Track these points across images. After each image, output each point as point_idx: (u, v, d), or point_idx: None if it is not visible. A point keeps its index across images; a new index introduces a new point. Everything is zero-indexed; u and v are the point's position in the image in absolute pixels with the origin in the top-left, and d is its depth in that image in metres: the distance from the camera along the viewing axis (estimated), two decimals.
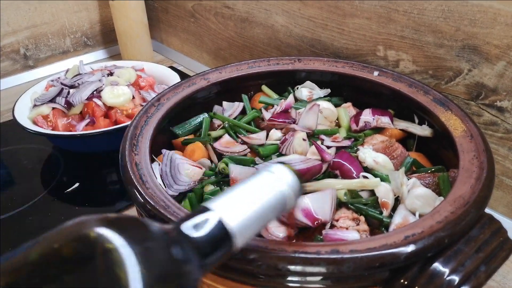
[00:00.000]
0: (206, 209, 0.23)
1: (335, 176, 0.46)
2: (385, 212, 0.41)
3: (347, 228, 0.39)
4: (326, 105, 0.55)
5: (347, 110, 0.57)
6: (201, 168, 0.47)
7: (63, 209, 0.66)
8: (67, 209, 0.66)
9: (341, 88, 0.61)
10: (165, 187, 0.45)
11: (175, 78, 0.87)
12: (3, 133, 0.86)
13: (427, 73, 0.60)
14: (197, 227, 0.22)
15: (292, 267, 0.31)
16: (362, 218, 0.41)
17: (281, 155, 0.49)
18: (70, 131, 0.73)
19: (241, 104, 0.60)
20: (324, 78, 0.61)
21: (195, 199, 0.45)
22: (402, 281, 0.32)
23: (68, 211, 0.65)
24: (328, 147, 0.49)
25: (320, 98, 0.60)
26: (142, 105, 0.78)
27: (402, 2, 0.59)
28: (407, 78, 0.54)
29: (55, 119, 0.74)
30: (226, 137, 0.53)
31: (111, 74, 0.84)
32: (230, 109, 0.59)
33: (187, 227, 0.22)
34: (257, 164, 0.48)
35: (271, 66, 0.61)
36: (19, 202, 0.67)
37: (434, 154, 0.51)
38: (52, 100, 0.76)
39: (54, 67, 1.12)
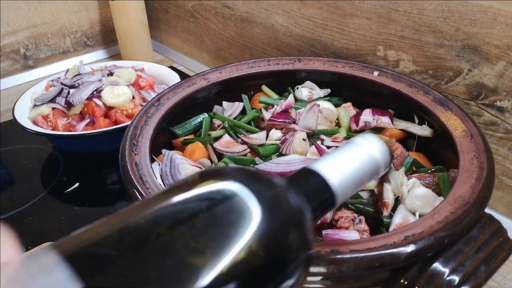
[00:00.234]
0: (311, 170, 0.26)
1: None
2: (385, 212, 0.41)
3: (347, 228, 0.39)
4: (326, 105, 0.55)
5: (347, 110, 0.57)
6: (201, 168, 0.47)
7: (63, 209, 0.66)
8: (67, 209, 0.66)
9: (341, 88, 0.61)
10: (165, 187, 0.45)
11: (175, 78, 0.87)
12: (3, 133, 0.86)
13: (427, 73, 0.60)
14: (306, 184, 0.25)
15: None
16: (362, 218, 0.41)
17: (281, 155, 0.49)
18: (70, 131, 0.73)
19: (241, 104, 0.60)
20: (324, 78, 0.61)
21: None
22: (402, 281, 0.32)
23: (68, 211, 0.65)
24: (328, 147, 0.49)
25: (320, 98, 0.60)
26: (142, 105, 0.78)
27: (402, 2, 0.59)
28: (407, 78, 0.54)
29: (55, 119, 0.74)
30: (226, 137, 0.53)
31: (111, 74, 0.84)
32: (230, 109, 0.59)
33: (298, 183, 0.25)
34: (257, 164, 0.48)
35: (271, 66, 0.61)
36: (19, 202, 0.67)
37: (434, 154, 0.51)
38: (52, 100, 0.76)
39: (54, 67, 1.12)
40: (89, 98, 0.75)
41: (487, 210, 0.37)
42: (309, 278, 0.32)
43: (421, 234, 0.32)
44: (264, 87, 0.62)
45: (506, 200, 0.58)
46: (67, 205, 0.67)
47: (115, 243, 0.19)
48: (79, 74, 0.84)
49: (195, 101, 0.57)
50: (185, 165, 0.46)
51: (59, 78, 0.85)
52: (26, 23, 1.04)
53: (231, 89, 0.60)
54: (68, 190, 0.69)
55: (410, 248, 0.31)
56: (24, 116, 0.75)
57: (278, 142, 0.51)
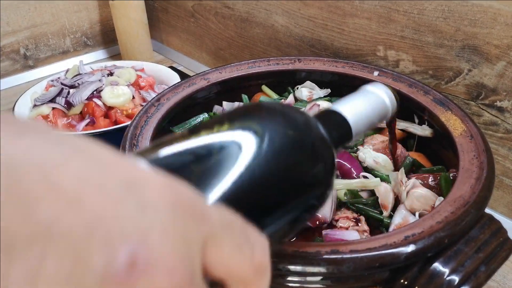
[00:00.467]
0: (332, 110, 0.31)
1: (335, 176, 0.46)
2: (385, 212, 0.41)
3: (347, 228, 0.39)
4: (326, 105, 0.55)
5: None
6: None
7: None
8: None
9: (341, 88, 0.60)
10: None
11: (175, 78, 0.86)
12: None
13: (427, 73, 0.60)
14: (329, 119, 0.30)
15: (292, 267, 0.31)
16: (362, 218, 0.41)
17: None
18: (70, 131, 0.73)
19: (241, 104, 0.60)
20: (324, 78, 0.61)
21: None
22: (402, 281, 0.32)
23: None
24: None
25: (320, 98, 0.60)
26: (142, 105, 0.78)
27: (402, 2, 0.59)
28: (407, 78, 0.54)
29: (55, 119, 0.74)
30: None
31: (111, 74, 0.84)
32: (230, 109, 0.59)
33: (323, 118, 0.29)
34: None
35: (271, 66, 0.61)
36: None
37: (434, 154, 0.51)
38: (52, 100, 0.76)
39: (54, 67, 1.12)
40: (89, 98, 0.75)
41: (487, 210, 0.37)
42: (309, 278, 0.32)
43: (421, 234, 0.32)
44: (264, 87, 0.62)
45: (506, 200, 0.58)
46: None
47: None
48: (79, 74, 0.84)
49: (195, 101, 0.57)
50: None
51: (59, 78, 0.85)
52: (26, 23, 1.04)
53: (231, 89, 0.60)
54: None
55: (410, 248, 0.31)
56: (24, 116, 0.75)
57: None
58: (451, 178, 0.43)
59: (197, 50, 1.06)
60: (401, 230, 0.33)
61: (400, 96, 0.53)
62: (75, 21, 1.12)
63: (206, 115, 0.58)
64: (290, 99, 0.56)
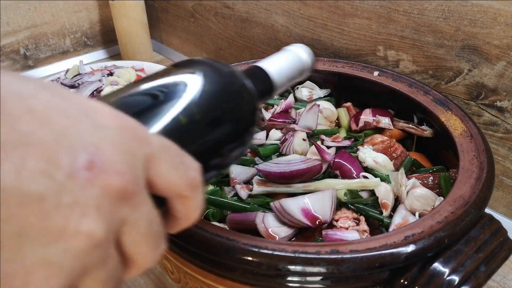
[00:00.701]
0: (256, 66, 0.35)
1: (335, 176, 0.46)
2: (385, 212, 0.41)
3: (347, 228, 0.39)
4: (326, 105, 0.55)
5: (347, 110, 0.57)
6: None
7: None
8: None
9: (341, 88, 0.61)
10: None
11: None
12: None
13: (427, 73, 0.60)
14: (253, 74, 0.34)
15: (292, 267, 0.31)
16: (362, 218, 0.41)
17: (281, 155, 0.49)
18: None
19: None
20: (324, 78, 0.61)
21: None
22: (402, 281, 0.32)
23: None
24: (328, 147, 0.49)
25: (320, 98, 0.60)
26: None
27: (402, 2, 0.59)
28: (407, 78, 0.54)
29: None
30: None
31: (111, 74, 0.84)
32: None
33: (248, 73, 0.34)
34: (257, 164, 0.48)
35: None
36: None
37: (434, 154, 0.51)
38: None
39: (54, 67, 1.12)
40: None
41: (487, 210, 0.37)
42: (309, 278, 0.32)
43: (421, 234, 0.32)
44: None
45: (506, 200, 0.58)
46: None
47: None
48: (79, 74, 0.84)
49: None
50: None
51: (59, 78, 0.85)
52: (26, 23, 1.04)
53: None
54: None
55: (410, 248, 0.31)
56: None
57: (278, 142, 0.51)
58: (451, 178, 0.43)
59: (197, 50, 1.06)
60: (401, 230, 0.33)
61: (400, 96, 0.53)
62: (75, 21, 1.12)
63: None
64: (290, 99, 0.56)
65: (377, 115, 0.53)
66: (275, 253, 0.31)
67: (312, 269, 0.31)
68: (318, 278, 0.32)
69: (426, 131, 0.51)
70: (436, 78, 0.59)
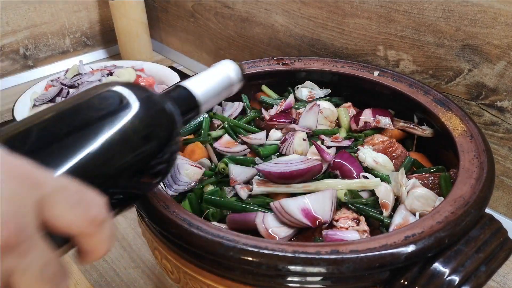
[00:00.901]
0: (180, 85, 0.35)
1: (335, 176, 0.46)
2: (385, 212, 0.41)
3: (347, 228, 0.39)
4: (326, 105, 0.55)
5: (347, 110, 0.57)
6: (201, 168, 0.47)
7: None
8: None
9: (341, 88, 0.60)
10: (165, 187, 0.45)
11: (175, 78, 0.86)
12: None
13: (427, 73, 0.60)
14: (176, 96, 0.34)
15: (292, 267, 0.31)
16: (362, 218, 0.41)
17: (281, 155, 0.49)
18: None
19: (241, 104, 0.60)
20: (324, 78, 0.61)
21: (195, 199, 0.45)
22: (402, 281, 0.32)
23: None
24: (328, 147, 0.49)
25: (320, 98, 0.60)
26: None
27: (402, 2, 0.59)
28: (407, 78, 0.54)
29: None
30: (226, 137, 0.53)
31: (110, 74, 0.84)
32: (230, 109, 0.59)
33: (169, 95, 0.33)
34: (257, 164, 0.48)
35: (271, 66, 0.61)
36: None
37: (434, 154, 0.51)
38: (52, 100, 0.76)
39: (53, 67, 1.12)
40: None
41: (487, 210, 0.37)
42: (309, 279, 0.32)
43: (421, 234, 0.32)
44: (264, 87, 0.62)
45: (506, 200, 0.58)
46: None
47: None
48: (79, 74, 0.84)
49: None
50: (185, 165, 0.46)
51: (58, 78, 0.85)
52: (26, 23, 1.04)
53: None
54: None
55: (410, 248, 0.31)
56: (24, 116, 0.75)
57: (278, 142, 0.51)
58: (451, 178, 0.43)
59: (197, 50, 1.06)
60: (401, 230, 0.33)
61: (400, 96, 0.53)
62: (74, 21, 1.12)
63: (206, 115, 0.58)
64: (290, 99, 0.56)
65: (377, 115, 0.53)
66: (275, 253, 0.31)
67: (312, 269, 0.31)
68: (318, 278, 0.32)
69: (426, 131, 0.51)
70: (436, 78, 0.59)
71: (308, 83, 0.61)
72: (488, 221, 0.35)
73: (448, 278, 0.31)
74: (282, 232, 0.39)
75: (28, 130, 0.24)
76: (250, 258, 0.31)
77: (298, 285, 0.32)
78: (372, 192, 0.43)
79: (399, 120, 0.54)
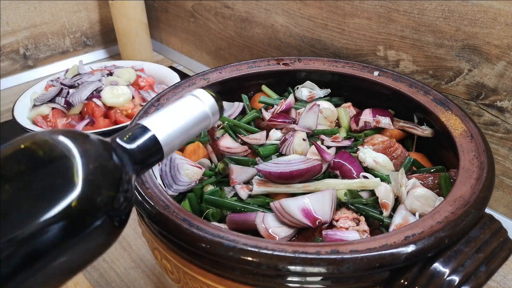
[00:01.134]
0: (139, 125, 0.29)
1: (335, 176, 0.46)
2: (385, 213, 0.41)
3: (347, 229, 0.39)
4: (326, 105, 0.55)
5: (347, 110, 0.57)
6: (201, 168, 0.47)
7: None
8: None
9: (341, 88, 0.60)
10: (165, 187, 0.45)
11: (175, 78, 0.86)
12: (3, 133, 0.85)
13: (427, 73, 0.60)
14: (132, 140, 0.28)
15: (292, 267, 0.31)
16: (362, 218, 0.41)
17: (281, 155, 0.49)
18: None
19: (241, 104, 0.60)
20: (324, 78, 0.61)
21: (195, 199, 0.45)
22: (402, 281, 0.32)
23: None
24: (328, 147, 0.49)
25: (320, 98, 0.60)
26: (142, 105, 0.78)
27: (402, 2, 0.59)
28: (407, 78, 0.54)
29: (55, 119, 0.74)
30: (226, 137, 0.53)
31: (110, 74, 0.84)
32: (230, 109, 0.59)
33: (123, 139, 0.28)
34: (257, 164, 0.48)
35: (271, 66, 0.61)
36: None
37: (434, 154, 0.51)
38: (52, 100, 0.76)
39: (53, 67, 1.12)
40: (88, 98, 0.75)
41: (487, 210, 0.37)
42: (309, 279, 0.32)
43: (421, 234, 0.32)
44: (264, 87, 0.62)
45: (506, 200, 0.58)
46: None
47: None
48: (79, 74, 0.84)
49: None
50: (185, 165, 0.46)
51: (58, 78, 0.85)
52: (26, 23, 1.04)
53: (231, 89, 0.60)
54: None
55: (410, 248, 0.31)
56: (23, 116, 0.75)
57: (278, 142, 0.51)
58: (451, 178, 0.43)
59: (197, 50, 1.06)
60: (401, 230, 0.33)
61: (400, 96, 0.53)
62: (74, 21, 1.12)
63: None
64: (290, 99, 0.56)
65: (377, 115, 0.53)
66: (275, 253, 0.31)
67: (312, 270, 0.31)
68: (318, 279, 0.32)
69: (426, 131, 0.51)
70: (436, 78, 0.59)
71: (308, 83, 0.61)
72: (488, 221, 0.35)
73: (448, 278, 0.31)
74: (282, 232, 0.39)
75: None
76: (250, 258, 0.31)
77: (298, 285, 0.32)
78: (372, 192, 0.43)
79: (399, 120, 0.54)
